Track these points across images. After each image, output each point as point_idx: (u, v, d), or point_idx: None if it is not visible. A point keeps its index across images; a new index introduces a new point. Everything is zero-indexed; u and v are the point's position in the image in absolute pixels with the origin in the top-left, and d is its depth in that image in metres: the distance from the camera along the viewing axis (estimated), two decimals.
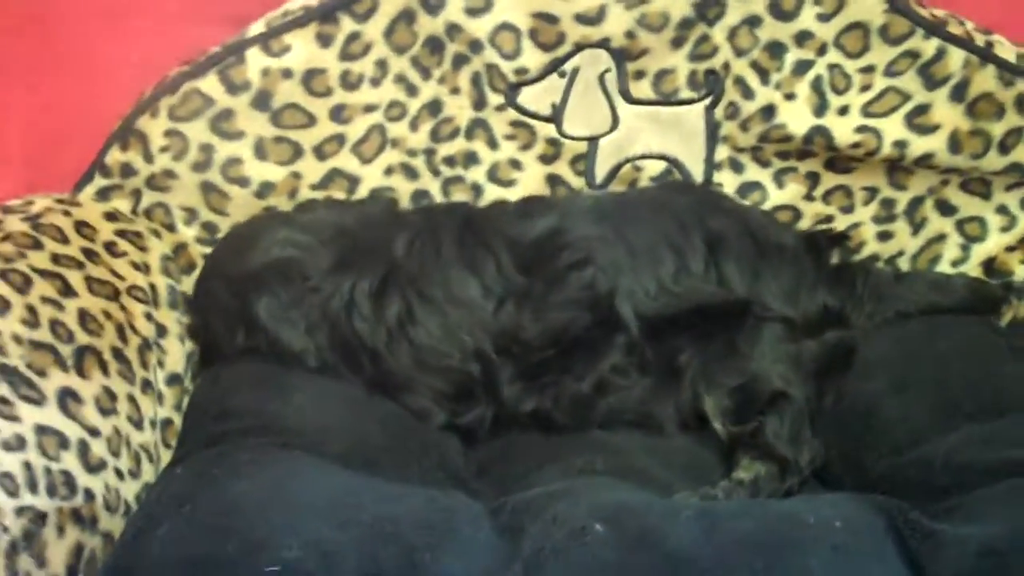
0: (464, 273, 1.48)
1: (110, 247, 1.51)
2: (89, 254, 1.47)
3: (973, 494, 1.27)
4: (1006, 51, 1.60)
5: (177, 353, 1.53)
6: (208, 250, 1.62)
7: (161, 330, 1.51)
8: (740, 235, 1.53)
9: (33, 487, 1.17)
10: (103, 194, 1.59)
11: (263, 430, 1.36)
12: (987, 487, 1.27)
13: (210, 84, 1.55)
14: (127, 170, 1.57)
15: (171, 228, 1.61)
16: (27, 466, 1.17)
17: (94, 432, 1.29)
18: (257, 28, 1.56)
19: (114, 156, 1.57)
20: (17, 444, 1.18)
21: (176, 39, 1.63)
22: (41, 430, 1.22)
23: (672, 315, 1.49)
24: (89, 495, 1.23)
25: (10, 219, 1.46)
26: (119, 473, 1.31)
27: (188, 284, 1.60)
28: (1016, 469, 1.28)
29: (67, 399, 1.28)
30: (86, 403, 1.30)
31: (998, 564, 1.12)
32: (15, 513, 1.13)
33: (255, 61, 1.55)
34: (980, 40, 1.60)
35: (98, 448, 1.28)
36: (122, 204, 1.59)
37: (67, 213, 1.51)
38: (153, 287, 1.53)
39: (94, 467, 1.26)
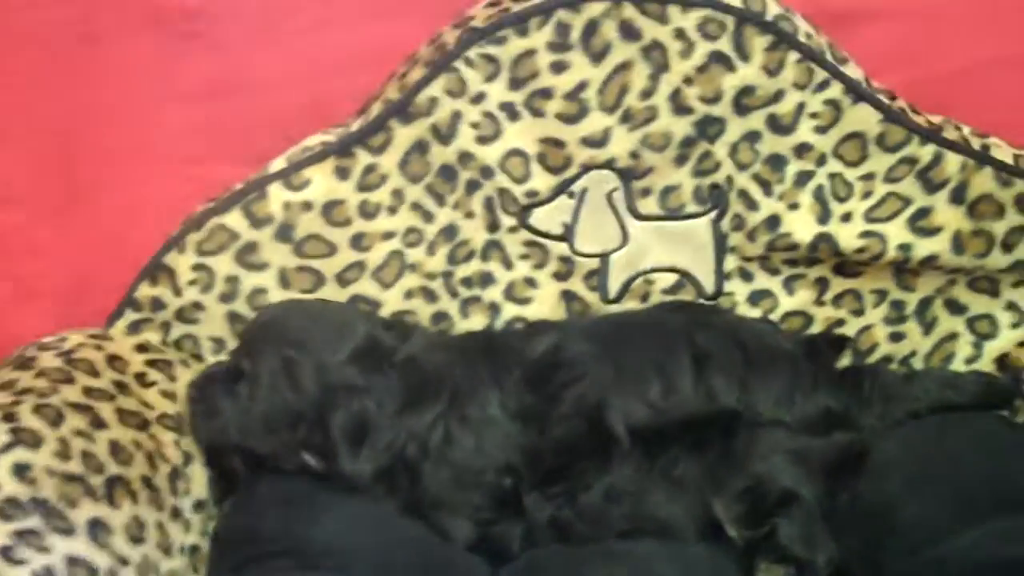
0: (491, 392, 1.53)
1: (140, 378, 1.57)
2: (120, 386, 1.52)
3: None
4: (1003, 153, 1.64)
5: (202, 479, 1.56)
6: None
7: (187, 458, 1.55)
8: (728, 348, 1.56)
9: None
10: (134, 327, 1.65)
11: (289, 554, 1.40)
12: None
13: (235, 219, 1.61)
14: (157, 304, 1.64)
15: (199, 358, 1.66)
16: None
17: (124, 561, 1.32)
18: (278, 164, 1.63)
19: (144, 291, 1.64)
20: (46, 575, 1.22)
21: (201, 177, 1.71)
22: (71, 561, 1.26)
23: (661, 428, 1.52)
24: None
25: (44, 355, 1.52)
26: None
27: None
28: None
29: (97, 529, 1.32)
30: (115, 532, 1.34)
31: None
32: None
33: (277, 195, 1.61)
34: (976, 143, 1.64)
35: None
36: (152, 336, 1.65)
37: (99, 347, 1.57)
38: (180, 415, 1.58)
39: None
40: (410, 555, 1.44)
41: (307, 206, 1.62)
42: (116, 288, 1.66)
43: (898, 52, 1.75)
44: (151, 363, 1.60)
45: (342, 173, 1.62)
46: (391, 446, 1.50)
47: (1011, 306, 1.71)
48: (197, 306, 1.64)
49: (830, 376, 1.59)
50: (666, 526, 1.52)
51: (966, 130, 1.67)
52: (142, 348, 1.62)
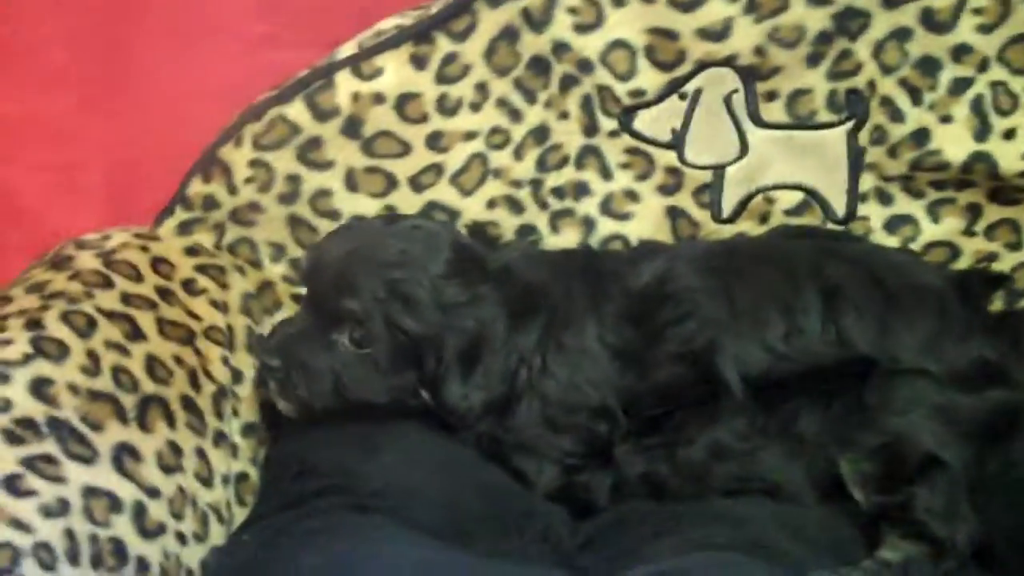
0: (589, 321, 1.35)
1: (188, 285, 1.40)
2: (164, 293, 1.37)
3: None
4: None
5: (253, 400, 1.41)
6: (295, 290, 1.50)
7: (237, 376, 1.40)
8: (863, 284, 1.35)
9: (74, 558, 1.05)
10: (184, 228, 1.48)
11: (342, 490, 1.24)
12: None
13: (297, 110, 1.44)
14: (210, 202, 1.47)
15: (256, 265, 1.50)
16: (69, 534, 1.05)
17: (153, 492, 1.17)
18: (348, 50, 1.44)
19: (196, 188, 1.47)
20: (59, 509, 1.06)
21: (262, 64, 1.53)
22: (90, 492, 1.10)
23: (782, 378, 1.33)
24: (143, 565, 1.11)
25: (82, 255, 1.37)
26: (181, 537, 1.19)
27: (267, 326, 1.48)
28: None
29: (123, 456, 1.16)
30: (145, 460, 1.18)
31: None
32: None
33: (345, 85, 1.43)
34: None
35: (157, 510, 1.16)
36: (205, 238, 1.48)
37: (145, 248, 1.41)
38: (231, 328, 1.42)
39: (151, 532, 1.14)
40: (481, 501, 1.27)
41: (379, 98, 1.44)
42: (167, 184, 1.50)
43: None
44: (201, 268, 1.44)
45: (419, 62, 1.43)
46: (505, 371, 1.32)
47: None
48: (254, 207, 1.47)
49: (985, 320, 1.37)
50: (778, 486, 1.33)
51: None
52: (192, 251, 1.46)
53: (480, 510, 1.26)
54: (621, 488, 1.35)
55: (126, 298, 1.32)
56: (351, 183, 1.47)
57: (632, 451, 1.34)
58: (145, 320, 1.31)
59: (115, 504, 1.12)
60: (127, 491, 1.14)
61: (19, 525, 1.02)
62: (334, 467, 1.28)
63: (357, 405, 1.32)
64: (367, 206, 1.47)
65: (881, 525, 1.28)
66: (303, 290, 1.43)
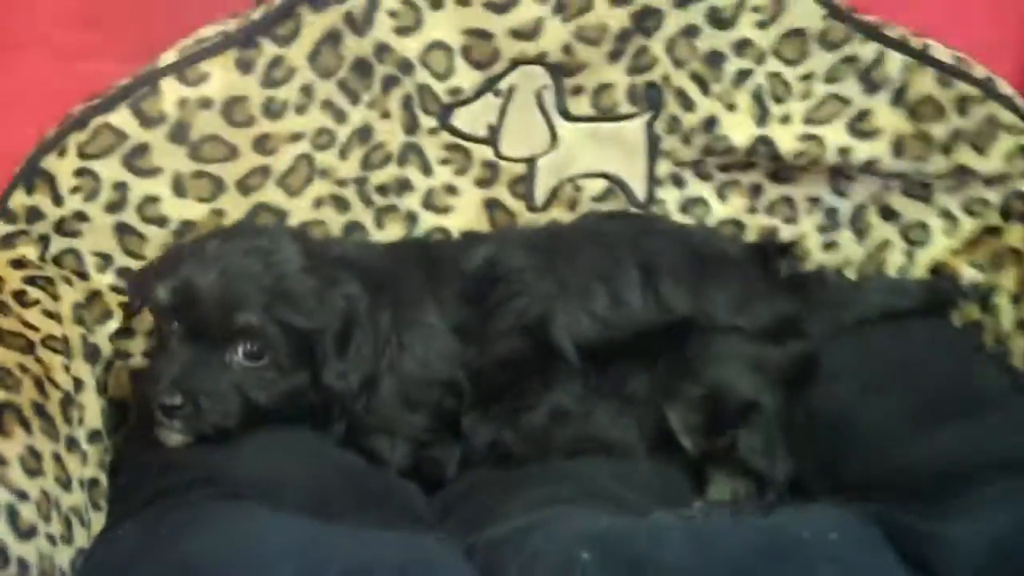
0: (430, 302, 1.41)
1: (19, 296, 1.38)
2: None
3: (965, 495, 1.23)
4: (942, 54, 1.59)
5: (95, 408, 1.40)
6: (123, 298, 1.49)
7: (78, 384, 1.38)
8: (677, 254, 1.49)
9: None
10: (7, 241, 1.45)
11: (208, 482, 1.26)
12: (978, 488, 1.23)
13: (122, 118, 1.44)
14: (34, 214, 1.45)
15: (83, 276, 1.48)
16: None
17: (22, 496, 1.15)
18: (170, 57, 1.46)
19: (18, 200, 1.45)
20: None
21: (79, 74, 1.54)
22: None
23: (611, 343, 1.44)
24: (23, 566, 1.10)
25: None
26: (51, 539, 1.18)
27: (102, 335, 1.48)
28: (1005, 468, 1.24)
29: None
30: (11, 464, 1.17)
31: (1011, 561, 1.11)
32: None
33: (171, 91, 1.45)
34: (916, 44, 1.58)
35: (28, 513, 1.15)
36: (29, 251, 1.46)
37: None
38: (66, 338, 1.40)
39: (25, 533, 1.13)
40: (342, 482, 1.31)
41: (205, 103, 1.46)
42: None
43: None
44: (30, 280, 1.41)
45: (244, 66, 1.46)
46: (373, 348, 1.35)
47: (944, 213, 1.65)
48: (80, 216, 1.46)
49: (780, 282, 1.52)
50: (614, 446, 1.44)
51: (904, 30, 1.60)
52: (18, 264, 1.43)
53: (342, 490, 1.30)
54: (469, 458, 1.43)
55: None
56: (179, 188, 1.48)
57: (479, 420, 1.41)
58: None
59: None
60: (1, 495, 1.13)
61: None
62: (196, 462, 1.29)
63: (262, 418, 1.32)
64: (195, 211, 1.49)
65: (708, 468, 1.41)
66: (133, 300, 1.42)
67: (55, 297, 1.42)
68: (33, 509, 1.16)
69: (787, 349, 1.45)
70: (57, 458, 1.26)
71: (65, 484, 1.25)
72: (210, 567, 1.08)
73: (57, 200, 1.45)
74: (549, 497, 1.32)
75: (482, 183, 1.58)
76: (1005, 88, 1.61)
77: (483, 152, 1.56)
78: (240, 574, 1.07)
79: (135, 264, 1.49)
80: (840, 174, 1.63)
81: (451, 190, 1.58)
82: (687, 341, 1.43)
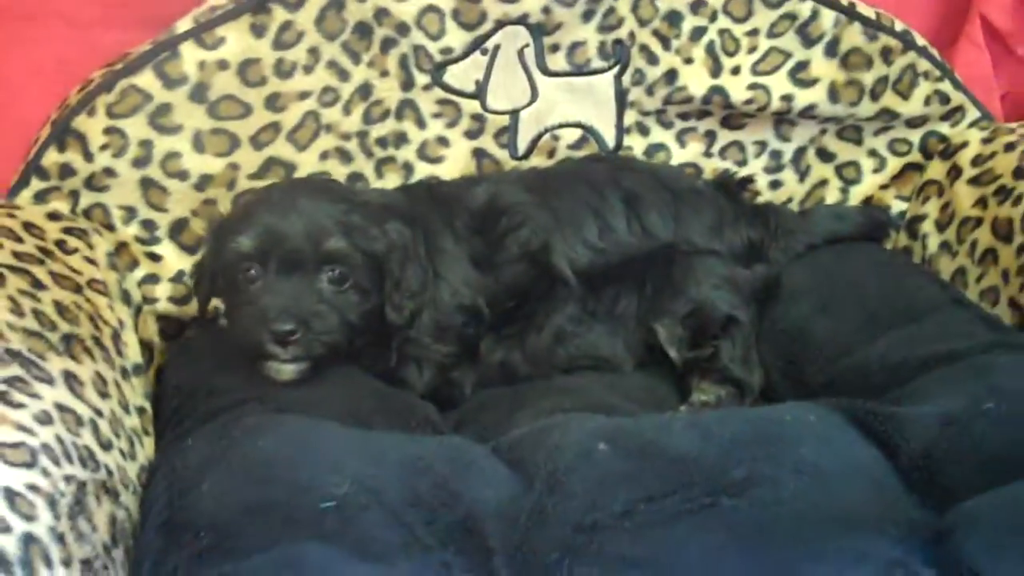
0: (448, 233, 1.56)
1: (61, 245, 1.50)
2: (45, 251, 1.46)
3: (911, 385, 1.43)
4: (866, 10, 1.79)
5: (135, 344, 1.52)
6: (148, 248, 1.63)
7: (121, 323, 1.50)
8: (655, 188, 1.66)
9: (69, 458, 1.17)
10: (40, 197, 1.57)
11: (258, 401, 1.40)
12: (922, 377, 1.43)
13: (147, 80, 1.56)
14: (66, 171, 1.57)
15: (110, 227, 1.61)
16: (59, 439, 1.17)
17: (99, 413, 1.29)
18: (186, 24, 1.58)
19: (51, 157, 1.56)
20: (46, 419, 1.18)
21: (93, 43, 1.64)
22: (60, 408, 1.21)
23: (603, 268, 1.61)
24: (108, 470, 1.24)
25: None
26: (123, 453, 1.31)
27: (131, 281, 1.60)
28: (944, 360, 1.45)
29: (71, 381, 1.27)
30: (87, 385, 1.30)
31: (960, 430, 1.27)
32: (65, 480, 1.13)
33: (190, 55, 1.57)
34: (844, 1, 1.78)
35: (105, 428, 1.28)
36: (61, 205, 1.58)
37: (11, 215, 1.49)
38: (105, 282, 1.52)
39: (105, 445, 1.26)
40: (372, 401, 1.45)
41: (223, 65, 1.59)
42: (4, 159, 1.58)
43: None
44: (67, 231, 1.53)
45: (258, 30, 1.59)
46: (422, 278, 1.49)
47: (873, 153, 1.87)
48: (109, 172, 1.58)
49: (745, 211, 1.71)
50: (606, 360, 1.61)
51: None
52: (54, 216, 1.55)
53: (372, 406, 1.44)
54: (480, 378, 1.58)
55: (17, 255, 1.41)
56: (198, 145, 1.60)
57: (493, 342, 1.57)
58: (40, 272, 1.41)
59: (79, 419, 1.23)
60: (83, 409, 1.26)
61: (25, 429, 1.14)
62: (242, 386, 1.42)
63: (354, 339, 1.45)
64: (213, 165, 1.62)
65: (692, 378, 1.58)
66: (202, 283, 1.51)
67: (91, 246, 1.54)
68: (107, 425, 1.29)
69: (755, 271, 1.65)
70: (117, 384, 1.38)
71: (125, 407, 1.38)
72: (288, 457, 1.22)
73: (88, 157, 1.56)
74: (551, 409, 1.47)
75: (470, 134, 1.74)
76: (920, 40, 1.82)
77: (471, 106, 1.72)
78: (314, 464, 1.21)
79: (158, 216, 1.62)
80: (783, 120, 1.82)
81: (443, 141, 1.73)
82: (671, 264, 1.60)
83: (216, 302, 1.54)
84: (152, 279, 1.64)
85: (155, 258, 1.63)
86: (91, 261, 1.51)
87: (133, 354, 1.50)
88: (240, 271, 1.42)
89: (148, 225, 1.62)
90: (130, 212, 1.61)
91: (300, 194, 1.45)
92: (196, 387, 1.45)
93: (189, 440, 1.32)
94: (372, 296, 1.45)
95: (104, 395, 1.32)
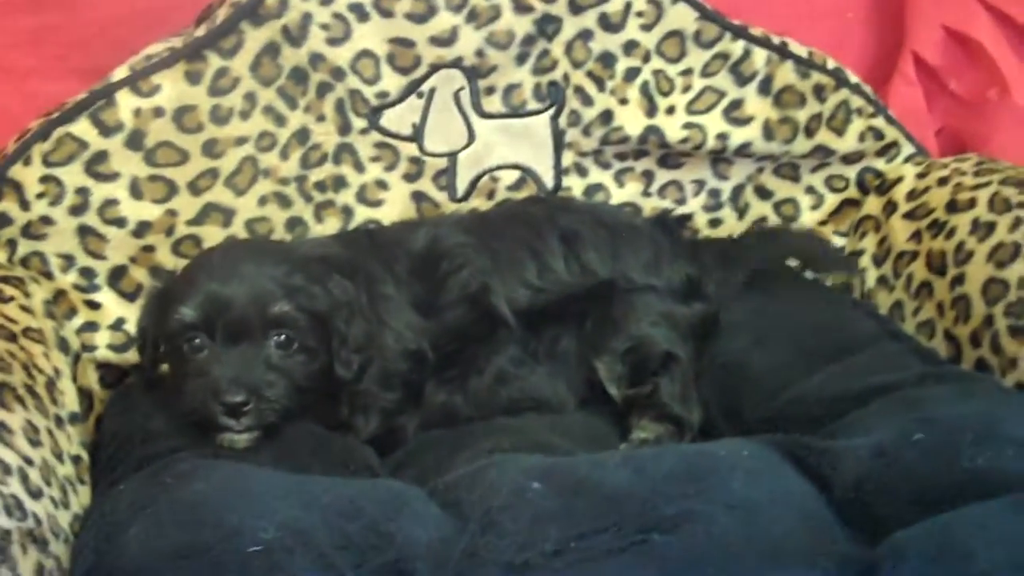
0: (388, 279, 1.56)
1: None
2: None
3: (847, 418, 1.44)
4: (798, 48, 1.82)
5: (72, 393, 1.52)
6: (87, 296, 1.63)
7: (57, 371, 1.50)
8: (592, 226, 1.68)
9: None
10: None
11: (192, 448, 1.39)
12: (857, 410, 1.44)
13: (83, 128, 1.57)
14: (3, 220, 1.57)
15: (48, 275, 1.61)
16: None
17: (29, 461, 1.28)
18: (122, 72, 1.60)
19: None
20: None
21: (31, 94, 1.66)
22: None
23: (544, 308, 1.62)
24: (36, 519, 1.23)
25: None
26: (54, 502, 1.30)
27: (69, 329, 1.60)
28: (878, 392, 1.46)
29: (0, 429, 1.27)
30: (16, 433, 1.29)
31: (891, 461, 1.28)
32: None
33: (126, 102, 1.58)
34: (776, 40, 1.82)
35: (34, 476, 1.28)
36: None
37: None
38: (41, 330, 1.52)
39: (34, 493, 1.26)
40: (310, 446, 1.45)
41: (158, 112, 1.60)
42: None
43: None
44: (3, 279, 1.53)
45: (193, 77, 1.61)
46: (367, 332, 1.49)
47: (810, 190, 1.89)
48: (46, 220, 1.58)
49: (684, 247, 1.73)
50: (548, 402, 1.61)
51: (763, 30, 1.83)
52: None
53: (310, 449, 1.44)
54: (423, 420, 1.57)
55: None
56: (136, 191, 1.61)
57: (435, 384, 1.57)
58: None
59: (6, 467, 1.23)
60: (11, 457, 1.25)
61: None
62: (176, 432, 1.42)
63: (305, 402, 1.44)
64: (151, 212, 1.62)
65: (632, 415, 1.58)
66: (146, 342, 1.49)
67: (27, 294, 1.54)
68: (38, 474, 1.28)
69: (693, 308, 1.66)
70: (50, 432, 1.38)
71: (59, 456, 1.37)
72: (217, 502, 1.21)
73: (24, 206, 1.57)
74: (491, 449, 1.47)
75: (409, 177, 1.75)
76: (853, 77, 1.86)
77: (409, 149, 1.73)
78: (244, 506, 1.20)
79: (96, 264, 1.62)
80: (720, 159, 1.85)
81: (382, 185, 1.74)
82: (610, 301, 1.62)
83: None
84: (91, 327, 1.63)
85: (94, 306, 1.63)
86: (27, 310, 1.51)
87: (70, 402, 1.50)
88: (185, 340, 1.41)
89: (86, 273, 1.62)
90: (68, 260, 1.61)
91: (241, 258, 1.45)
92: (131, 433, 1.45)
93: (121, 486, 1.32)
94: (319, 355, 1.45)
95: (35, 443, 1.32)
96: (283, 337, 1.41)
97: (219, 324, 1.39)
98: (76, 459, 1.44)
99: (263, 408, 1.38)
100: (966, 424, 1.30)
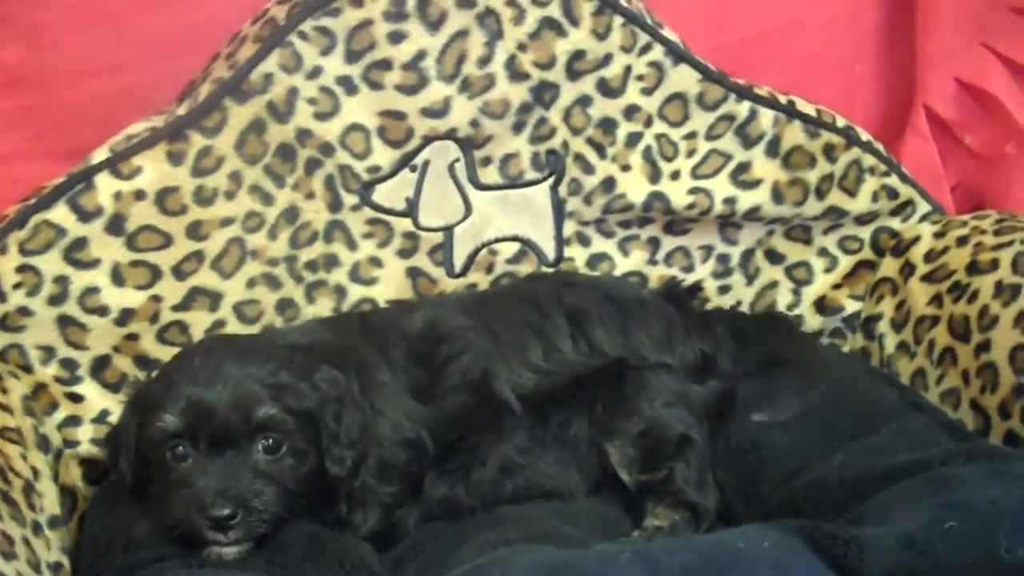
0: (383, 365, 1.49)
1: None
2: None
3: (872, 500, 1.36)
4: (806, 107, 1.76)
5: (52, 494, 1.44)
6: (68, 389, 1.55)
7: (36, 472, 1.42)
8: (599, 302, 1.60)
9: None
10: None
11: (175, 556, 1.31)
12: (883, 491, 1.36)
13: (60, 214, 1.51)
14: None
15: (28, 369, 1.53)
16: None
17: None
18: (101, 154, 1.53)
19: None
20: None
21: (7, 177, 1.60)
22: None
23: (551, 391, 1.54)
24: None
25: None
26: None
27: (50, 425, 1.53)
28: (905, 471, 1.37)
29: None
30: None
31: (922, 551, 1.19)
32: None
33: (105, 186, 1.52)
34: (782, 99, 1.75)
35: None
36: None
37: None
38: (20, 429, 1.45)
39: None
40: (305, 548, 1.36)
41: (139, 195, 1.53)
42: None
43: (697, 20, 1.84)
44: None
45: (175, 158, 1.54)
46: (360, 424, 1.41)
47: (823, 252, 1.82)
48: (24, 311, 1.51)
49: (695, 320, 1.65)
50: (556, 491, 1.53)
51: (769, 89, 1.77)
52: None
53: (304, 553, 1.36)
54: (423, 513, 1.49)
55: None
56: (118, 278, 1.54)
57: (436, 477, 1.48)
58: None
59: None
60: None
61: None
62: (162, 539, 1.34)
63: (296, 507, 1.36)
64: (134, 298, 1.55)
65: (645, 502, 1.49)
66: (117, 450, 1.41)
67: (4, 391, 1.47)
68: None
69: (708, 387, 1.58)
70: (26, 542, 1.30)
71: (35, 567, 1.29)
72: None
73: (1, 297, 1.50)
74: (496, 542, 1.38)
75: (404, 253, 1.67)
76: (864, 135, 1.79)
77: (403, 224, 1.66)
78: None
79: (78, 355, 1.55)
80: (728, 223, 1.77)
81: (375, 262, 1.67)
82: (622, 381, 1.53)
83: None
84: (73, 421, 1.56)
85: (76, 399, 1.56)
86: (4, 408, 1.44)
87: (50, 505, 1.42)
88: (167, 449, 1.33)
89: (68, 364, 1.55)
90: (48, 352, 1.54)
91: (223, 358, 1.37)
92: (112, 540, 1.37)
93: None
94: (310, 456, 1.37)
95: (8, 556, 1.24)
96: (271, 441, 1.34)
97: (203, 431, 1.32)
98: (56, 567, 1.36)
99: (252, 520, 1.30)
100: (1002, 510, 1.22)
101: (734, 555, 1.23)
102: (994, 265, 1.63)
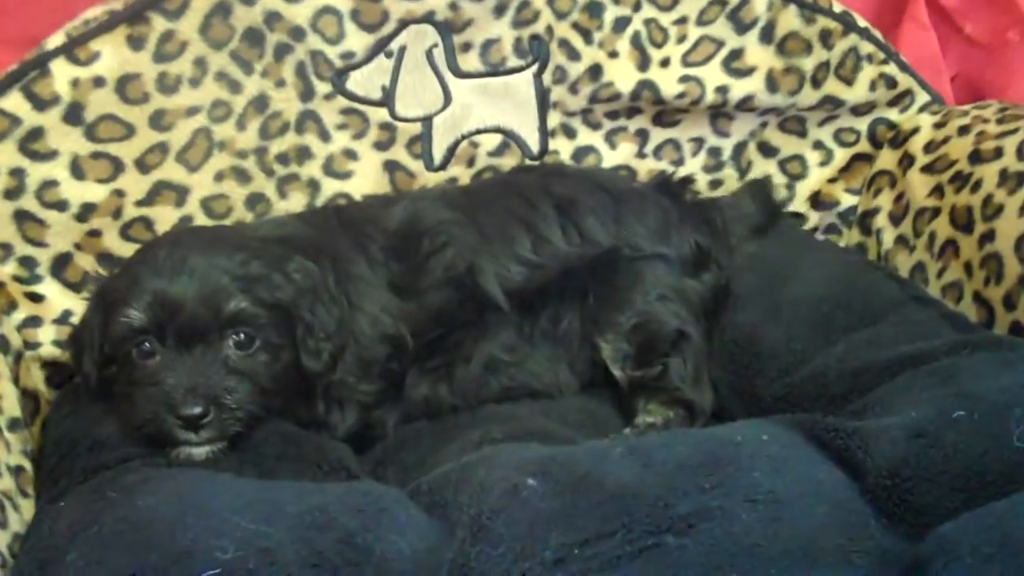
0: (360, 259, 1.41)
1: None
2: None
3: (874, 393, 1.31)
4: None
5: (12, 397, 1.37)
6: (28, 288, 1.47)
7: None
8: (590, 191, 1.53)
9: None
10: None
11: (142, 456, 1.25)
12: (886, 384, 1.31)
13: (14, 103, 1.42)
14: None
15: None
16: None
17: None
18: (57, 39, 1.44)
19: None
20: None
21: None
22: None
23: (541, 285, 1.47)
24: None
25: None
26: None
27: (9, 326, 1.45)
28: (908, 363, 1.32)
29: None
30: None
31: (930, 443, 1.14)
32: None
33: (62, 72, 1.43)
34: None
35: None
36: None
37: None
38: None
39: None
40: (279, 447, 1.30)
41: (98, 82, 1.45)
42: None
43: None
44: None
45: (136, 43, 1.45)
46: (336, 318, 1.34)
47: (818, 145, 1.75)
48: None
49: (690, 213, 1.57)
50: (546, 390, 1.47)
51: None
52: None
53: (278, 451, 1.30)
54: (404, 414, 1.43)
55: None
56: (77, 171, 1.46)
57: (416, 375, 1.42)
58: None
59: None
60: None
61: None
62: (128, 438, 1.27)
63: (272, 404, 1.30)
64: (95, 192, 1.47)
65: (638, 399, 1.44)
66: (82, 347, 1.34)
67: None
68: None
69: (703, 281, 1.51)
70: None
71: None
72: (168, 518, 1.07)
73: None
74: (479, 440, 1.34)
75: (380, 146, 1.60)
76: (861, 20, 1.71)
77: (379, 114, 1.58)
78: (199, 522, 1.06)
79: (37, 252, 1.47)
80: (720, 114, 1.70)
81: (350, 154, 1.59)
82: (615, 272, 1.47)
83: None
84: (34, 322, 1.48)
85: (36, 298, 1.48)
86: None
87: (9, 407, 1.35)
88: (133, 346, 1.26)
89: (27, 262, 1.47)
90: (5, 249, 1.46)
91: (190, 250, 1.28)
92: (76, 440, 1.30)
93: (62, 502, 1.17)
94: (285, 351, 1.30)
95: None
96: (242, 336, 1.27)
97: (170, 327, 1.25)
98: (17, 470, 1.30)
99: (224, 418, 1.23)
100: (1012, 399, 1.16)
101: (731, 449, 1.18)
102: (998, 153, 1.56)
